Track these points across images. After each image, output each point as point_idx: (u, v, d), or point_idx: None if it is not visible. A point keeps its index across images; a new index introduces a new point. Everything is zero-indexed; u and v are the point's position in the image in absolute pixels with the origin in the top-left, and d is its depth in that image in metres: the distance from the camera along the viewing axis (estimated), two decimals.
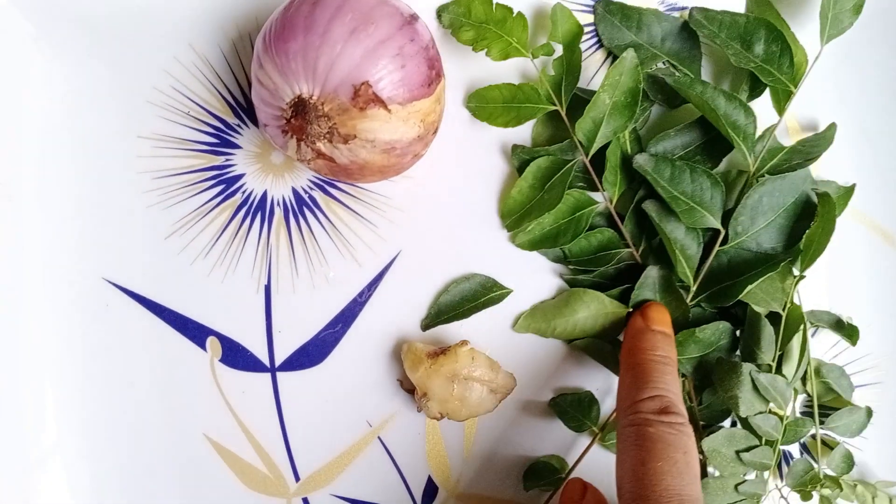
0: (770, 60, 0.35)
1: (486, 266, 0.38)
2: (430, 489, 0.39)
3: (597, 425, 0.38)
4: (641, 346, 0.34)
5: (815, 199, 0.36)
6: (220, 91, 0.37)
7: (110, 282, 0.37)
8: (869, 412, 0.39)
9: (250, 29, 0.36)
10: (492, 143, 0.38)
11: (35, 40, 0.35)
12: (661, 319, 0.35)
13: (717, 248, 0.36)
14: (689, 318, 0.37)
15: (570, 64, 0.36)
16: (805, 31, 0.37)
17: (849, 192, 0.39)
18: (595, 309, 0.37)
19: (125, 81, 0.36)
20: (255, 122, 0.37)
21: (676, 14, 0.38)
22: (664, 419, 0.31)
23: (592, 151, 0.36)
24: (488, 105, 0.36)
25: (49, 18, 0.35)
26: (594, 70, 0.38)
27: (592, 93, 0.36)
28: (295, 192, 0.37)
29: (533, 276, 0.38)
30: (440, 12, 0.36)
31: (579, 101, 0.36)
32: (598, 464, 0.39)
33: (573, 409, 0.38)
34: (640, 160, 0.36)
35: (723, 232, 0.36)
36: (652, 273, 0.37)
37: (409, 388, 0.37)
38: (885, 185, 0.39)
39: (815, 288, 0.39)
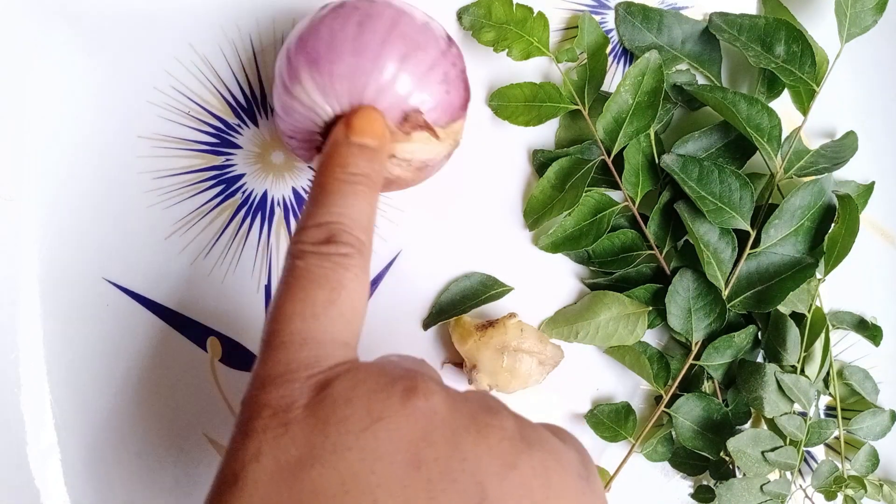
0: (791, 60, 0.35)
1: (487, 266, 0.38)
2: None
3: (633, 435, 0.38)
4: (332, 161, 0.28)
5: (834, 201, 0.36)
6: (220, 91, 0.37)
7: (110, 282, 0.37)
8: (893, 415, 0.39)
9: (250, 29, 0.36)
10: (497, 144, 0.38)
11: (35, 40, 0.35)
12: (365, 129, 0.28)
13: (748, 251, 0.36)
14: (726, 323, 0.36)
15: (594, 70, 0.37)
16: (816, 31, 0.37)
17: (868, 189, 0.39)
18: (616, 311, 0.37)
19: (125, 81, 0.36)
20: (255, 122, 0.37)
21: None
22: (322, 250, 0.25)
23: (615, 151, 0.36)
24: (510, 104, 0.36)
25: (49, 18, 0.35)
26: (618, 79, 0.38)
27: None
28: (295, 192, 0.37)
29: (534, 276, 0.38)
30: (461, 14, 0.36)
31: (602, 102, 0.36)
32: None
33: (610, 419, 0.38)
34: (668, 160, 0.35)
35: (752, 234, 0.36)
36: (686, 276, 0.36)
37: (456, 362, 0.37)
38: (885, 185, 0.39)
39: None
